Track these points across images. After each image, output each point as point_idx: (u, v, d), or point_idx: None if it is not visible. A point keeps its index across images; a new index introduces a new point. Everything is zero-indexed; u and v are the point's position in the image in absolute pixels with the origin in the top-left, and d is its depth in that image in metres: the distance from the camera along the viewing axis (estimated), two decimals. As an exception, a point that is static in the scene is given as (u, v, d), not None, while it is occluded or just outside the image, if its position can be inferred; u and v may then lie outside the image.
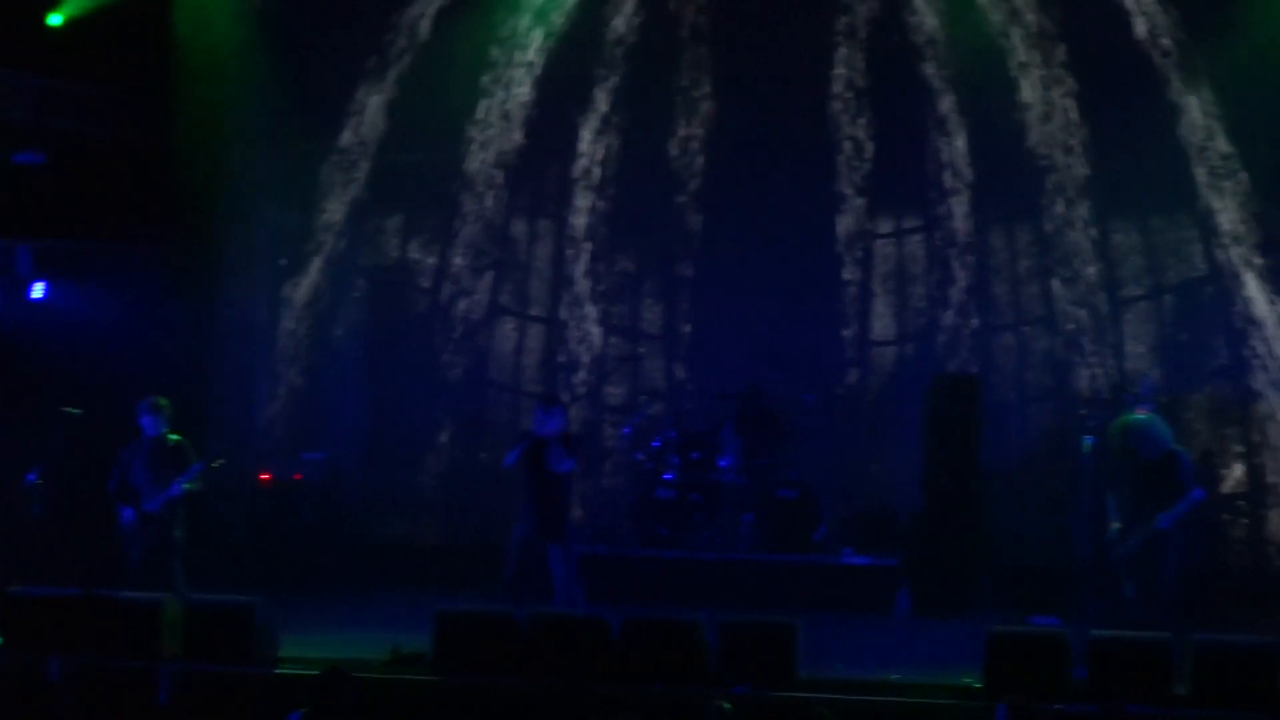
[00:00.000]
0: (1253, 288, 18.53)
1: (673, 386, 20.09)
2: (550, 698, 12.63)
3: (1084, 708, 10.47)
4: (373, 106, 20.05)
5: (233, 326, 19.74)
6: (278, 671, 13.65)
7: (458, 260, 20.23)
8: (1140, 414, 14.93)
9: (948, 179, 19.69)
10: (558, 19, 20.20)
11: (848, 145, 19.93)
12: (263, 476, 18.48)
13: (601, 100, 20.25)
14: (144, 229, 18.30)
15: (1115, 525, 14.32)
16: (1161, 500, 14.11)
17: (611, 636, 13.48)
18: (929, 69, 19.57)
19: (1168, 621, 13.91)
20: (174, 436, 15.10)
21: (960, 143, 19.64)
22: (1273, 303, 18.45)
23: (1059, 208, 19.29)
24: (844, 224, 19.94)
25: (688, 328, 20.15)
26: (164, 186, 18.39)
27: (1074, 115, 19.21)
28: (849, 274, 19.95)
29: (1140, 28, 18.95)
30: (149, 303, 18.23)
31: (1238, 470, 18.60)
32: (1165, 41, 18.86)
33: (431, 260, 20.26)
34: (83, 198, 18.10)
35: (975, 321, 19.55)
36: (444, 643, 13.68)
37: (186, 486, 14.91)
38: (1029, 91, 19.31)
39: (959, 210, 19.67)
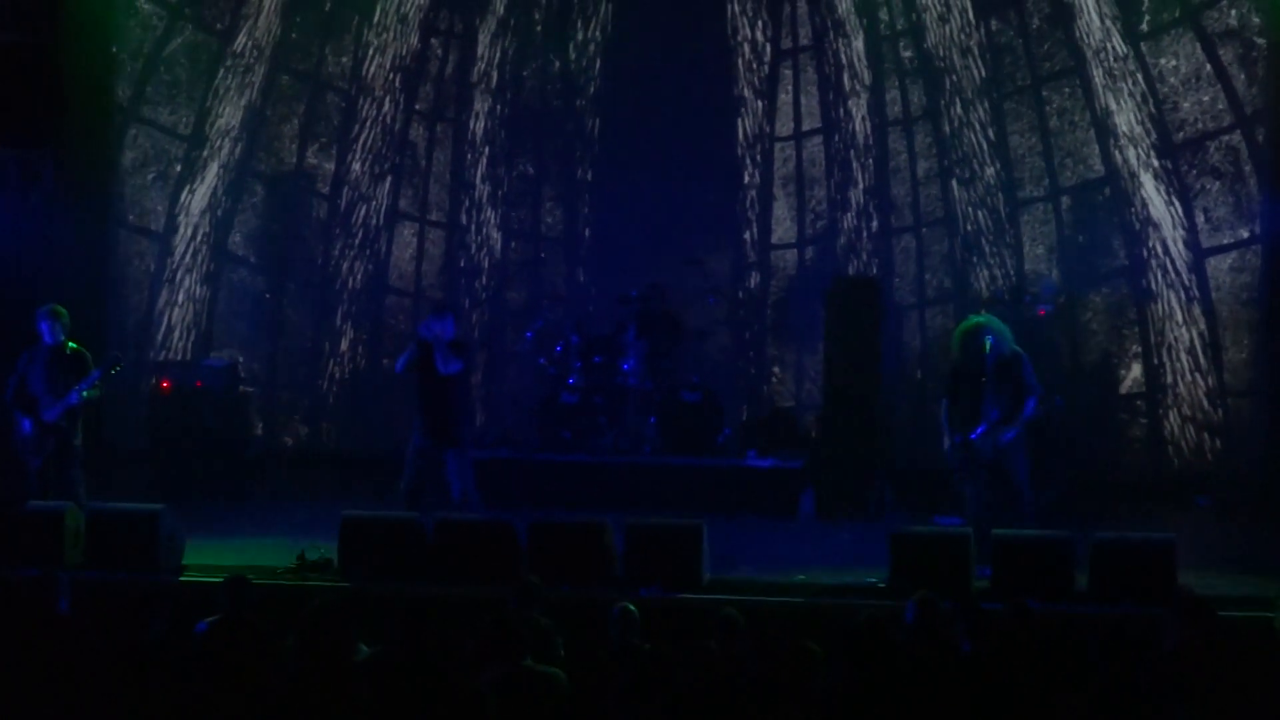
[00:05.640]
0: (1150, 189, 18.65)
1: (574, 290, 20.07)
2: (456, 602, 12.64)
3: (989, 605, 10.57)
4: (268, 9, 19.76)
5: (129, 232, 19.52)
6: (181, 580, 13.64)
7: (356, 166, 20.07)
8: (980, 316, 15.07)
9: (846, 81, 19.71)
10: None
11: (746, 48, 19.92)
12: (163, 384, 18.32)
13: (498, 3, 20.11)
14: (36, 133, 18.00)
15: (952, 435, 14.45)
16: (1005, 403, 14.20)
17: (518, 541, 13.52)
18: (827, -30, 19.61)
19: (1028, 523, 14.12)
20: (72, 344, 14.94)
21: (859, 44, 19.65)
22: (1170, 204, 18.57)
23: (957, 109, 19.35)
24: (743, 127, 19.96)
25: (588, 231, 20.14)
26: (56, 90, 18.07)
27: (971, 16, 19.24)
28: (749, 177, 19.98)
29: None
30: (44, 208, 17.95)
31: (1135, 370, 18.77)
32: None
33: (329, 166, 20.09)
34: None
35: (875, 224, 19.61)
36: (349, 549, 13.70)
37: (85, 394, 14.77)
38: (926, -8, 19.38)
39: (858, 113, 19.71)
